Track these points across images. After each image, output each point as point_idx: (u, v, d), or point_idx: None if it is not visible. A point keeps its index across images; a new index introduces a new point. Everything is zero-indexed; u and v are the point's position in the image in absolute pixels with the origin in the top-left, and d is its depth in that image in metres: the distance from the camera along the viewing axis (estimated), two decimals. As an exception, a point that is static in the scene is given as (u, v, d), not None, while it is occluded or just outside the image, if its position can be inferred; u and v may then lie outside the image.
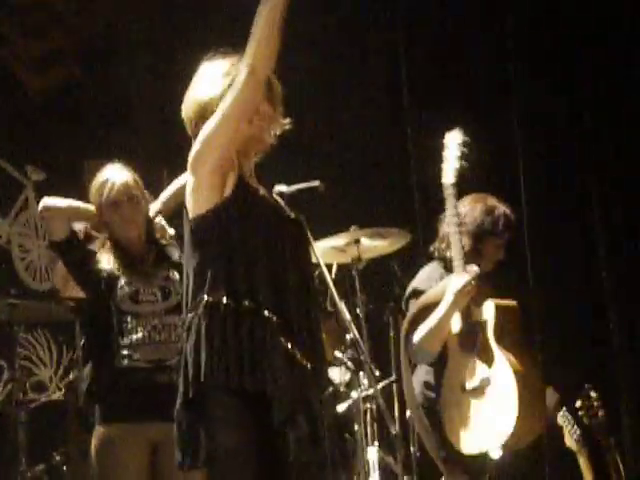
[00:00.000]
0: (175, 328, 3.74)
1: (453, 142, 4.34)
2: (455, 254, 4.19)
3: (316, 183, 3.74)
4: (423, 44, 6.43)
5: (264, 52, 2.88)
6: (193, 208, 3.00)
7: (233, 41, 3.06)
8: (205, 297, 2.90)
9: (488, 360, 4.15)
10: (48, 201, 3.93)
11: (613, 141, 6.06)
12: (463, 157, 4.29)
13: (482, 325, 4.20)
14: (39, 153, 6.76)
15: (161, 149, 6.13)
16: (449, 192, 4.26)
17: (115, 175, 3.94)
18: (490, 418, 4.08)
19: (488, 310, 4.20)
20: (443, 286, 4.21)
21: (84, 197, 6.76)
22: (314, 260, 3.27)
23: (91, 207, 3.96)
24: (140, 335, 3.75)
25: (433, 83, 6.37)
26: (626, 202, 6.00)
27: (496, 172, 5.76)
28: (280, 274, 2.95)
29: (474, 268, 4.18)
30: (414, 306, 4.29)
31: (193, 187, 3.00)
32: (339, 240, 5.14)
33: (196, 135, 3.00)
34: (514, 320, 4.29)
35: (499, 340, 4.18)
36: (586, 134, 6.10)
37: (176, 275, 3.85)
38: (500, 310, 4.21)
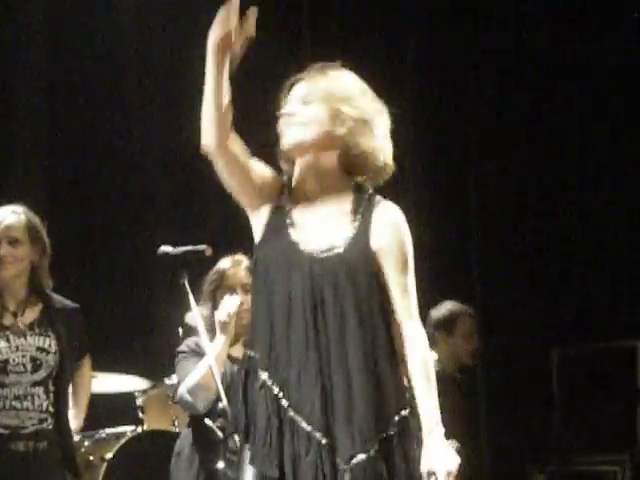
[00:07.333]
0: (39, 398, 3.68)
1: None
2: None
3: (202, 247, 3.75)
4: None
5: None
6: None
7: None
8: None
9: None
10: None
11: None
12: None
13: None
14: None
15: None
16: None
17: (3, 215, 3.80)
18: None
19: None
20: None
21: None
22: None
23: None
24: (1, 403, 3.66)
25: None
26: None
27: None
28: (279, 330, 2.77)
29: None
30: None
31: None
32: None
33: None
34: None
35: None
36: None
37: (53, 344, 3.73)
38: None
